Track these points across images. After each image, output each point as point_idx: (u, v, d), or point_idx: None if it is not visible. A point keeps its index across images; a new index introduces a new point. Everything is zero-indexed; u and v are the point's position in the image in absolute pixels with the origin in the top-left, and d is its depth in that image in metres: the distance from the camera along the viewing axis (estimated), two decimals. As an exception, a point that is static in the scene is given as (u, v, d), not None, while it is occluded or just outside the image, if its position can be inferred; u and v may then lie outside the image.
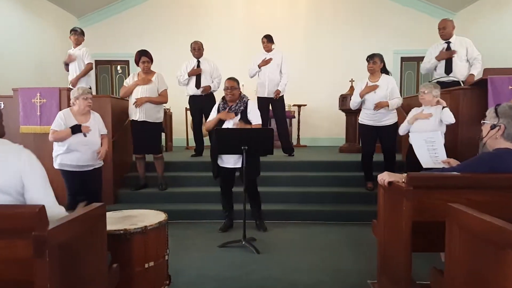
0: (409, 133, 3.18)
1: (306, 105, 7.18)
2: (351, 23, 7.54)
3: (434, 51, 4.25)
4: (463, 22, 6.98)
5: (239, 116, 3.31)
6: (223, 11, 7.63)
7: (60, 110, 3.91)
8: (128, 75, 7.78)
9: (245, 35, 7.46)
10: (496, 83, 3.43)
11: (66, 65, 4.74)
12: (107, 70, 7.84)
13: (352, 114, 6.00)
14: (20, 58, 5.81)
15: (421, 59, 7.63)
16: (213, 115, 3.44)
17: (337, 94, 6.08)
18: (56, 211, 1.39)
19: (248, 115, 3.34)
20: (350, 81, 6.13)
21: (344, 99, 5.89)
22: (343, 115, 6.18)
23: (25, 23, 6.05)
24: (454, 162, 2.13)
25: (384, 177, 1.95)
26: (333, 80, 7.08)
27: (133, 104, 3.97)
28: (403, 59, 7.65)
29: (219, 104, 3.45)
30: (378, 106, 3.81)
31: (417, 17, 7.52)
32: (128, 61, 7.73)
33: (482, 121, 1.87)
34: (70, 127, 2.94)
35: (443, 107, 3.14)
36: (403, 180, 1.81)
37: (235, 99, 3.35)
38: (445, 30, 4.15)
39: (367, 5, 7.54)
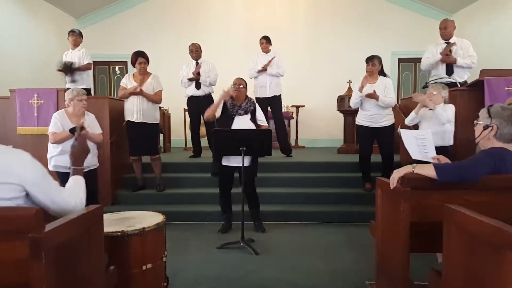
0: (400, 130, 3.20)
1: (304, 106, 7.20)
2: (349, 25, 7.57)
3: (434, 49, 4.24)
4: (459, 24, 6.98)
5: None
6: (222, 11, 7.64)
7: (58, 111, 3.92)
8: (126, 76, 7.81)
9: (244, 35, 7.47)
10: (492, 84, 3.45)
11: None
12: (105, 71, 7.83)
13: (350, 115, 6.01)
14: (18, 59, 5.79)
15: (418, 60, 7.64)
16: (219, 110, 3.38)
17: (335, 95, 6.09)
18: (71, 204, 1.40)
19: (257, 117, 3.41)
20: (348, 82, 6.14)
21: (342, 100, 5.90)
22: (341, 116, 6.19)
23: (23, 24, 6.04)
24: (443, 159, 2.12)
25: (395, 176, 1.83)
26: (331, 81, 7.09)
27: (135, 89, 3.92)
28: (400, 60, 7.69)
29: (226, 102, 3.36)
30: (369, 95, 3.81)
31: (415, 19, 7.55)
32: (126, 62, 7.71)
33: (475, 122, 1.88)
34: (69, 130, 2.91)
35: (429, 109, 3.15)
36: (413, 169, 1.77)
37: (241, 98, 3.35)
38: (446, 30, 4.15)
39: (365, 7, 7.57)
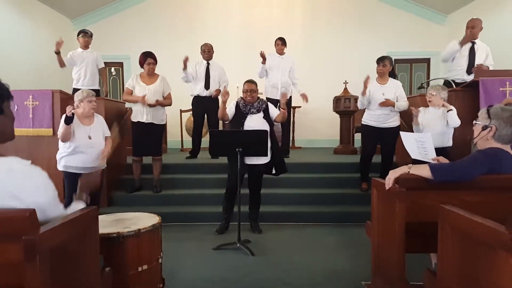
0: (400, 132, 3.21)
1: (300, 106, 7.19)
2: (345, 26, 7.60)
3: (455, 46, 4.20)
4: (454, 25, 7.06)
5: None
6: (219, 13, 7.63)
7: (53, 112, 3.90)
8: (122, 77, 7.77)
9: (242, 37, 7.48)
10: (487, 85, 3.48)
11: (57, 53, 4.55)
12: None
13: (345, 116, 6.04)
14: (14, 60, 5.75)
15: (414, 61, 7.81)
16: (230, 109, 3.43)
17: (332, 95, 6.11)
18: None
19: (271, 114, 3.47)
20: (344, 83, 6.16)
21: (338, 101, 5.92)
22: (337, 117, 6.21)
23: (19, 25, 6.00)
24: (443, 160, 2.14)
25: (390, 176, 1.85)
26: (328, 82, 7.10)
27: (145, 105, 3.97)
28: (396, 61, 7.70)
29: (238, 102, 3.44)
30: (384, 104, 3.81)
31: (410, 20, 7.60)
32: (122, 62, 7.70)
33: (474, 122, 1.88)
34: (64, 121, 2.88)
35: (448, 110, 3.14)
36: (409, 169, 1.80)
37: (253, 101, 3.43)
38: (474, 30, 4.09)
39: (361, 8, 7.60)
